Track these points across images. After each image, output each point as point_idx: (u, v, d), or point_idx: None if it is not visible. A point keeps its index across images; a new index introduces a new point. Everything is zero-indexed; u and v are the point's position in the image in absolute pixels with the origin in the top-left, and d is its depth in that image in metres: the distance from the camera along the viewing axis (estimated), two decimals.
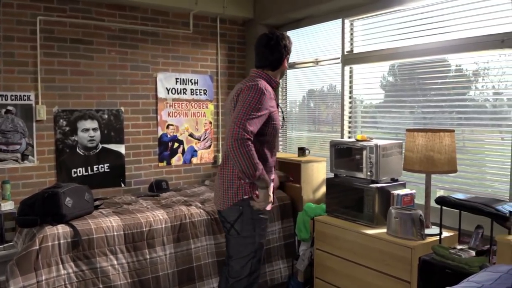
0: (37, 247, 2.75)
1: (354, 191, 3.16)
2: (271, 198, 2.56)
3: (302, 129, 4.65)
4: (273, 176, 2.69)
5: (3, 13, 3.58)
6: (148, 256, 3.12)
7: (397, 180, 3.18)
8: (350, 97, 3.90)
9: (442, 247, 2.48)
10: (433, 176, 2.90)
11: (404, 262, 2.66)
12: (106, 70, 4.05)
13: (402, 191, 3.06)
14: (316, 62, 4.31)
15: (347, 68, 3.86)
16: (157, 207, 3.46)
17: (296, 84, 4.68)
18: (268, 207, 2.57)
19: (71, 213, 3.01)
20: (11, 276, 2.64)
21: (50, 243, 2.79)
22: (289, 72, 4.70)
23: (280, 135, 4.79)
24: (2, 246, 3.12)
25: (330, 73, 4.16)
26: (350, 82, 3.88)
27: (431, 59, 3.23)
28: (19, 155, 3.68)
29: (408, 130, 2.86)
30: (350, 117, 3.91)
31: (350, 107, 3.91)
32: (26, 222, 2.98)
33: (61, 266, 2.81)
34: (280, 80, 2.74)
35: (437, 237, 2.68)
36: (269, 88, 2.54)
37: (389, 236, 2.80)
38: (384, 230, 2.88)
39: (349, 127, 3.92)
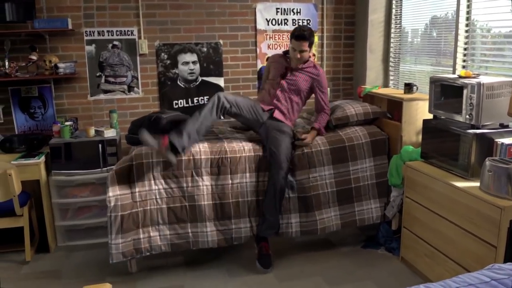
0: (133, 163, 3.04)
1: (450, 136, 2.74)
2: None
3: (423, 62, 4.10)
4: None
5: None
6: (230, 182, 3.19)
7: (507, 126, 2.66)
8: (466, 25, 3.28)
9: None
10: None
11: (492, 223, 2.27)
12: (204, 3, 4.03)
13: (510, 140, 2.55)
14: None
15: None
16: (247, 138, 3.46)
17: (415, 10, 4.08)
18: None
19: None
20: (110, 184, 3.00)
21: (144, 161, 3.05)
22: None
23: (391, 69, 4.36)
24: (106, 168, 3.49)
25: None
26: (468, 6, 3.24)
27: None
28: (125, 86, 3.99)
29: None
30: (465, 49, 3.32)
31: (467, 37, 3.30)
32: (132, 140, 3.29)
33: (152, 182, 3.06)
34: None
35: None
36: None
37: (480, 192, 2.39)
38: (479, 184, 2.47)
39: (464, 61, 3.34)
